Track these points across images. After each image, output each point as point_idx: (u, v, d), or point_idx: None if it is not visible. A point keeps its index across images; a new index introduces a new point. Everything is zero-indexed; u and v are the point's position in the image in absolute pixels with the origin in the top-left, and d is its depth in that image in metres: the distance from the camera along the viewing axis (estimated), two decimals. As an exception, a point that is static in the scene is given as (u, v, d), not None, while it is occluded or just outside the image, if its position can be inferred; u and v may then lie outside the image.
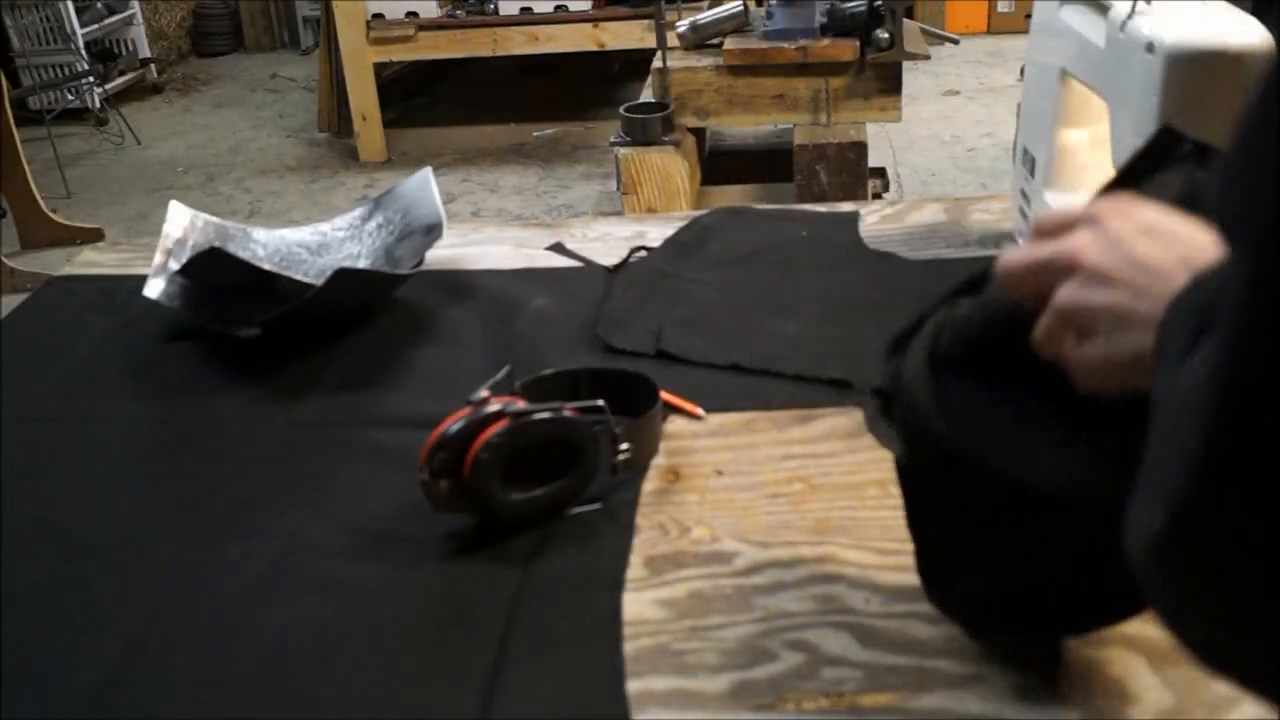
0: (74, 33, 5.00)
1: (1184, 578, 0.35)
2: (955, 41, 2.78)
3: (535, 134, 4.43)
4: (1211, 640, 0.36)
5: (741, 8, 2.48)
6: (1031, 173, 1.12)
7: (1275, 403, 0.31)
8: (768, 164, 2.74)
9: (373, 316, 1.10)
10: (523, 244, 1.26)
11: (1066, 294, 0.48)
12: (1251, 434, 0.32)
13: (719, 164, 2.79)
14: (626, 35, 3.99)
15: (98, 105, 4.97)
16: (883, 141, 3.88)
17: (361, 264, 1.19)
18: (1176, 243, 0.45)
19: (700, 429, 0.89)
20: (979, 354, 0.55)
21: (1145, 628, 0.66)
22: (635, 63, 4.27)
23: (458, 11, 4.17)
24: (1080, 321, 0.47)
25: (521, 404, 0.77)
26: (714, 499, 0.81)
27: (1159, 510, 0.35)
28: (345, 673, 0.68)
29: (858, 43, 2.33)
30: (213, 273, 1.08)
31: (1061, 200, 1.06)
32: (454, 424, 0.75)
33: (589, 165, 4.06)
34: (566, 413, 0.77)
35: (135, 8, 5.58)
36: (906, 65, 2.39)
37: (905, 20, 2.35)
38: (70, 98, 5.01)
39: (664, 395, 0.87)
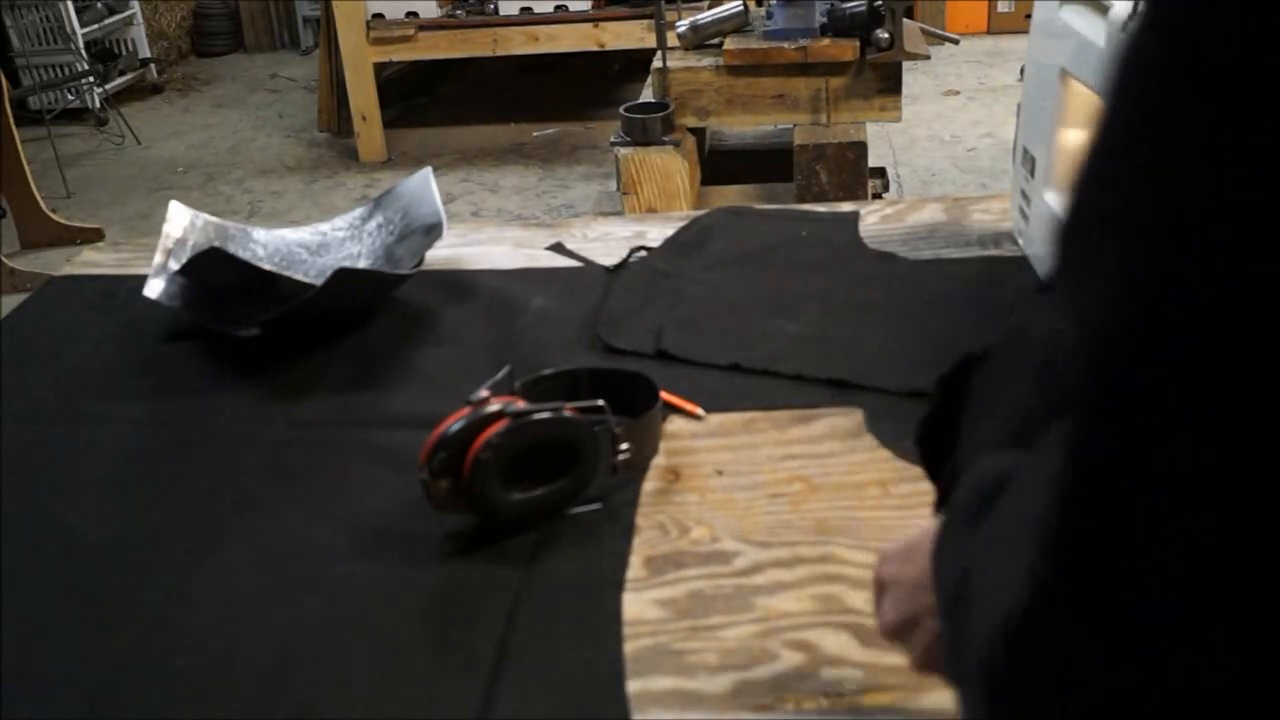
0: (74, 33, 5.00)
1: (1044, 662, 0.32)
2: (955, 41, 2.78)
3: (535, 134, 4.44)
4: None
5: (741, 8, 2.48)
6: (1031, 173, 1.12)
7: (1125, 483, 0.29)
8: (768, 164, 2.74)
9: (373, 316, 1.10)
10: (523, 244, 1.26)
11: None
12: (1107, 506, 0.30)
13: (719, 164, 2.79)
14: (626, 35, 3.99)
15: (98, 105, 4.97)
16: (883, 141, 3.89)
17: (361, 264, 1.19)
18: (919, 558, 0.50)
19: (700, 429, 0.89)
20: None
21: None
22: (635, 63, 4.27)
23: (458, 11, 4.17)
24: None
25: (521, 404, 0.77)
26: (714, 499, 0.81)
27: (1011, 596, 0.32)
28: (345, 673, 0.68)
29: (858, 43, 2.33)
30: (213, 273, 1.08)
31: (1062, 200, 1.06)
32: (454, 424, 0.75)
33: (589, 165, 4.07)
34: (566, 413, 0.77)
35: (135, 7, 5.58)
36: (906, 65, 2.39)
37: (905, 20, 2.35)
38: (70, 98, 5.02)
39: (664, 395, 0.87)
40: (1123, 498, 0.29)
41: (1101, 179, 0.31)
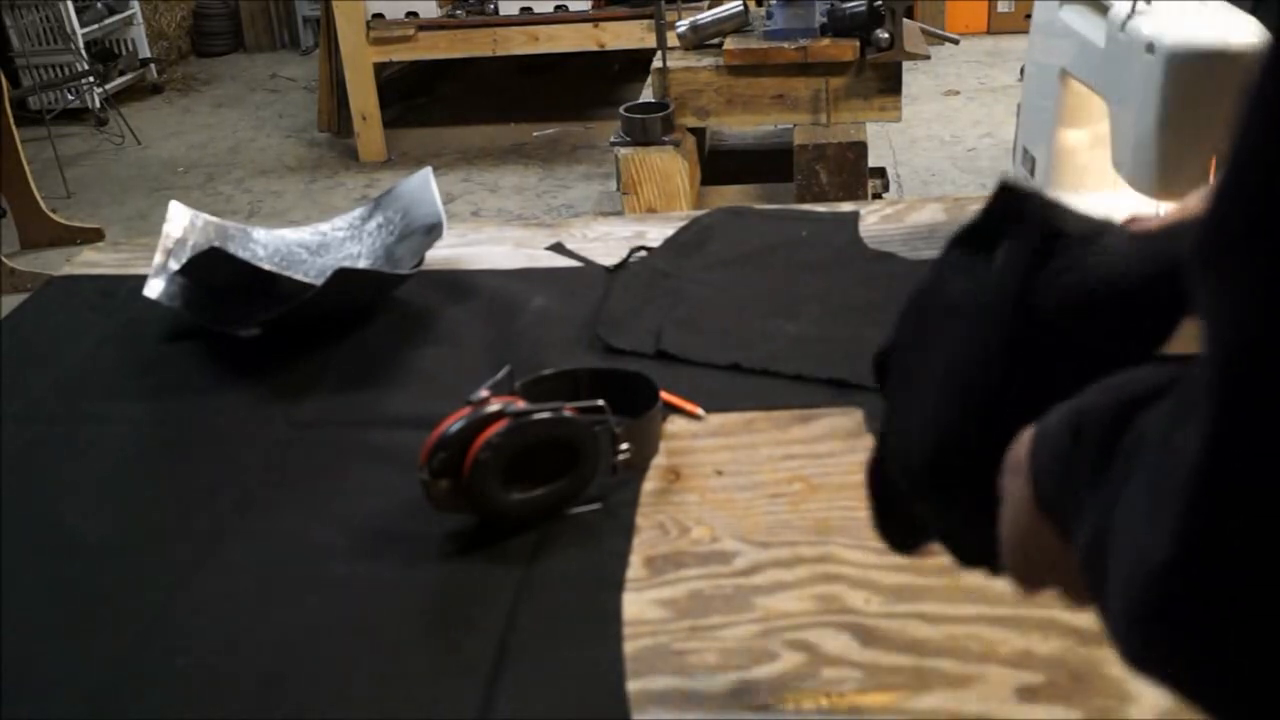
0: (74, 33, 5.00)
1: (1199, 609, 0.33)
2: (955, 41, 2.78)
3: (535, 134, 4.44)
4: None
5: (741, 8, 2.48)
6: (1031, 173, 1.12)
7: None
8: (768, 164, 2.75)
9: (373, 316, 1.10)
10: (523, 244, 1.26)
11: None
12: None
13: (719, 164, 2.79)
14: (626, 35, 3.99)
15: (98, 105, 4.97)
16: (883, 141, 3.89)
17: (361, 264, 1.19)
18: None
19: (700, 429, 0.89)
20: None
21: (1145, 627, 0.66)
22: (635, 63, 4.27)
23: (458, 11, 4.17)
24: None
25: (521, 404, 0.77)
26: (714, 499, 0.81)
27: (1163, 540, 0.33)
28: (345, 673, 0.68)
29: (858, 43, 2.34)
30: (213, 273, 1.08)
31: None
32: (454, 424, 0.75)
33: (589, 165, 4.07)
34: (567, 413, 0.77)
35: (135, 7, 5.58)
36: (906, 65, 2.39)
37: (905, 20, 2.35)
38: (70, 98, 5.02)
39: (664, 395, 0.87)
40: (1261, 481, 0.31)
41: (1253, 183, 0.31)
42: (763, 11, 2.51)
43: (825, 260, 1.17)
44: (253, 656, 0.69)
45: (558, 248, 1.24)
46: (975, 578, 0.70)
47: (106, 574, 0.78)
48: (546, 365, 0.89)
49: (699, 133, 2.57)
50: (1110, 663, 0.64)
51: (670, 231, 1.24)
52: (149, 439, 0.95)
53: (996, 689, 0.63)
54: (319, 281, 1.02)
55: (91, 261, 1.31)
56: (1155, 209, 0.94)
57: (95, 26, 5.26)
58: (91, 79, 4.91)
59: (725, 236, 1.23)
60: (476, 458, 0.74)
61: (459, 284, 1.16)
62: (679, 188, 2.29)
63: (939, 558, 0.71)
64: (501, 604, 0.72)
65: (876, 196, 2.64)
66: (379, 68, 4.26)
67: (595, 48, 4.07)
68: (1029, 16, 1.18)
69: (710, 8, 2.64)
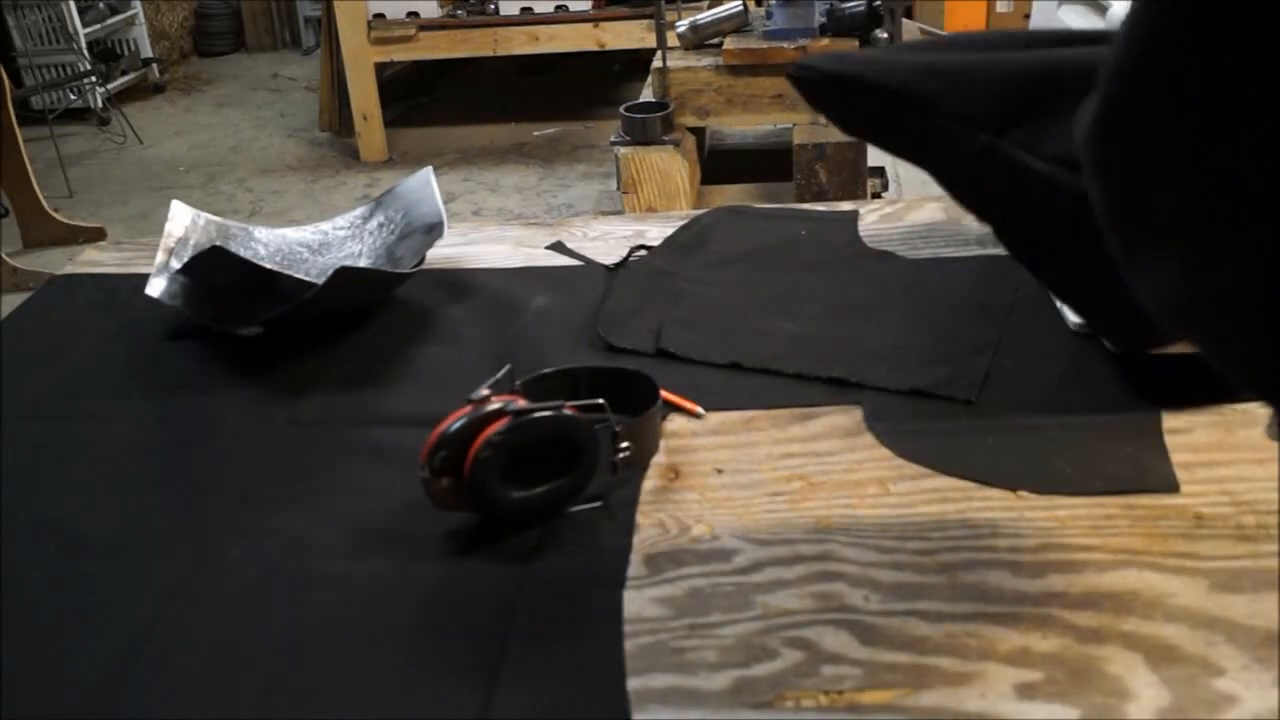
0: (76, 33, 5.01)
1: (1116, 156, 0.40)
2: (956, 41, 2.77)
3: (536, 133, 4.44)
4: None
5: (741, 8, 2.49)
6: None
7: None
8: (768, 164, 2.75)
9: (373, 315, 1.10)
10: (523, 243, 1.26)
11: None
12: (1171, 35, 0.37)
13: (719, 163, 2.80)
14: (626, 35, 4.00)
15: (100, 105, 4.98)
16: (883, 141, 3.88)
17: (362, 263, 1.19)
18: None
19: (700, 427, 0.90)
20: None
21: (1144, 625, 0.66)
22: (635, 63, 4.28)
23: (458, 11, 4.18)
24: None
25: (522, 402, 0.77)
26: (714, 497, 0.81)
27: (1092, 106, 0.41)
28: (345, 672, 0.68)
29: (857, 43, 2.34)
30: (214, 271, 1.08)
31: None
32: (455, 422, 0.75)
33: (589, 165, 4.07)
34: (567, 411, 0.77)
35: (137, 8, 5.59)
36: (907, 64, 2.39)
37: (904, 20, 2.35)
38: (73, 97, 5.03)
39: (664, 394, 0.88)
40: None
41: None
42: (762, 11, 2.52)
43: (825, 259, 1.17)
44: (253, 656, 0.69)
45: (558, 247, 1.24)
46: (974, 575, 0.70)
47: (106, 574, 0.78)
48: (547, 364, 0.89)
49: (699, 132, 2.58)
50: (1109, 661, 0.64)
51: (670, 231, 1.24)
52: (150, 437, 0.95)
53: (996, 687, 0.63)
54: (320, 280, 1.02)
55: (93, 260, 1.32)
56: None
57: (97, 26, 5.27)
58: (94, 79, 4.92)
59: (725, 235, 1.23)
60: (477, 456, 0.74)
61: (459, 283, 1.17)
62: (679, 187, 2.29)
63: (938, 557, 0.72)
64: (501, 603, 0.72)
65: (876, 196, 2.64)
66: (380, 67, 4.27)
67: (595, 48, 4.08)
68: (1028, 16, 1.18)
69: (710, 8, 2.65)
